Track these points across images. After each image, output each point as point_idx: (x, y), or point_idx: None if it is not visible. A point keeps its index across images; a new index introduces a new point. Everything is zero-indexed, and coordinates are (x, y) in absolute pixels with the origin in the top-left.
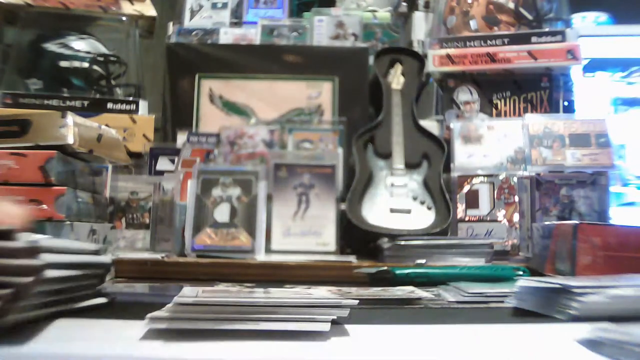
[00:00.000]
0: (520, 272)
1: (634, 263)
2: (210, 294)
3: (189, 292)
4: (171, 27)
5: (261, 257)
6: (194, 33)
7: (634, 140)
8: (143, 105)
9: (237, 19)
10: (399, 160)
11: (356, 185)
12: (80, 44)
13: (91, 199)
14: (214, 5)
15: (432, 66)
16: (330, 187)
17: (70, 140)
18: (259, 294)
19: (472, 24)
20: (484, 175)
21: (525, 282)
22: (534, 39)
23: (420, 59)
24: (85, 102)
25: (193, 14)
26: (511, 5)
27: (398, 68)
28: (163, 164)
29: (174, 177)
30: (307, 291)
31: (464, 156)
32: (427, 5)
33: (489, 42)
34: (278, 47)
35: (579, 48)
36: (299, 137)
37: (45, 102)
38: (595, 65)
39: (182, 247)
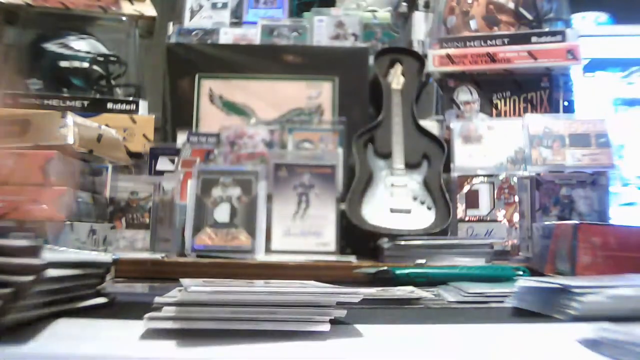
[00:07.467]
0: (520, 272)
1: (634, 263)
2: (211, 287)
3: (190, 284)
4: (171, 27)
5: (261, 257)
6: (194, 33)
7: (634, 140)
8: (143, 105)
9: (237, 19)
10: (399, 160)
11: (356, 185)
12: (80, 44)
13: (91, 199)
14: (214, 5)
15: (432, 66)
16: (330, 187)
17: (70, 140)
18: (259, 287)
19: (472, 24)
20: (484, 175)
21: (525, 282)
22: (534, 39)
23: (420, 59)
24: (85, 102)
25: (193, 14)
26: (511, 5)
27: (398, 68)
28: (163, 164)
29: (174, 177)
30: (309, 283)
31: (464, 156)
32: (427, 5)
33: (489, 42)
34: (278, 47)
35: (579, 48)
36: (299, 137)
37: (45, 102)
38: (595, 65)
39: (182, 247)
